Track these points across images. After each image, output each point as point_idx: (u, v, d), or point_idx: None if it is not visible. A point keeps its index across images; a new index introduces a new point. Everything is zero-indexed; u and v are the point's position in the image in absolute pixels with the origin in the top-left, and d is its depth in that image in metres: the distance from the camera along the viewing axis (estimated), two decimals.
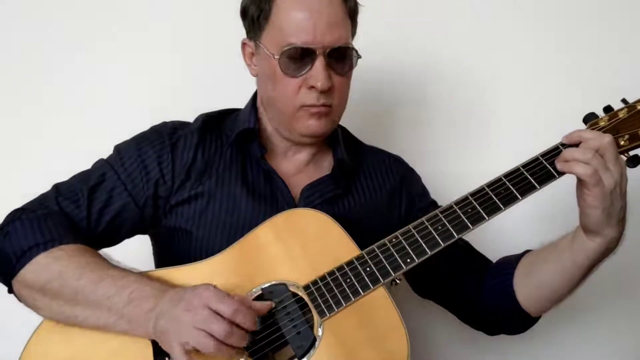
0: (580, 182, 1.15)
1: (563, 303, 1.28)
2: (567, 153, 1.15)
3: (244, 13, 1.32)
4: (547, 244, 1.28)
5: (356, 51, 1.29)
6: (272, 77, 1.27)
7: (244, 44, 1.35)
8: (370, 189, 1.40)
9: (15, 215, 1.23)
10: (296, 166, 1.38)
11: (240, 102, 1.43)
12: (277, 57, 1.23)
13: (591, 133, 1.16)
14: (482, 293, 1.32)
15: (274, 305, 1.14)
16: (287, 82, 1.25)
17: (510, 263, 1.32)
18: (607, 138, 1.13)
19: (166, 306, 1.09)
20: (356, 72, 1.33)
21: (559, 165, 1.16)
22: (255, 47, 1.31)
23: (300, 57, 1.23)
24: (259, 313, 1.11)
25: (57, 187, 1.29)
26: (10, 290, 1.21)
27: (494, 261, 1.38)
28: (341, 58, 1.26)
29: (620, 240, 1.19)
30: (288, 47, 1.22)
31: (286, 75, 1.24)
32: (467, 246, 1.41)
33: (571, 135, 1.18)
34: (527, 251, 1.33)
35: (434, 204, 1.45)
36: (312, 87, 1.24)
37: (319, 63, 1.23)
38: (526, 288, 1.28)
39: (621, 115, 1.20)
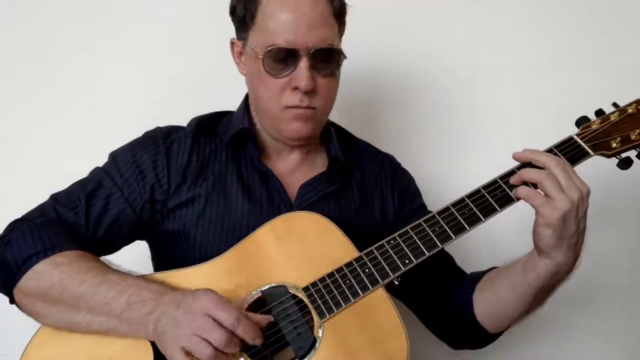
0: None
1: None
2: (523, 173, 1.16)
3: (233, 12, 1.32)
4: (510, 261, 1.27)
5: (341, 52, 1.29)
6: (258, 77, 1.27)
7: (232, 43, 1.35)
8: (365, 187, 1.41)
9: (15, 225, 1.23)
10: (291, 165, 1.38)
11: (237, 103, 1.43)
12: (261, 57, 1.23)
13: (545, 156, 1.16)
14: (446, 304, 1.34)
15: (272, 320, 1.13)
16: (271, 83, 1.25)
17: (475, 277, 1.33)
18: (559, 161, 1.13)
19: (165, 308, 1.09)
20: (345, 73, 1.33)
21: (512, 180, 1.18)
22: (243, 47, 1.31)
23: (284, 57, 1.23)
24: (258, 325, 1.11)
25: (54, 197, 1.29)
26: (12, 301, 1.20)
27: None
28: (326, 59, 1.25)
29: (573, 266, 1.16)
30: (271, 48, 1.22)
31: (270, 75, 1.24)
32: (447, 256, 1.42)
33: (522, 154, 1.19)
34: (493, 267, 1.33)
35: (423, 207, 1.46)
36: (296, 88, 1.24)
37: (303, 64, 1.22)
38: (483, 303, 1.28)
39: (613, 118, 1.23)
